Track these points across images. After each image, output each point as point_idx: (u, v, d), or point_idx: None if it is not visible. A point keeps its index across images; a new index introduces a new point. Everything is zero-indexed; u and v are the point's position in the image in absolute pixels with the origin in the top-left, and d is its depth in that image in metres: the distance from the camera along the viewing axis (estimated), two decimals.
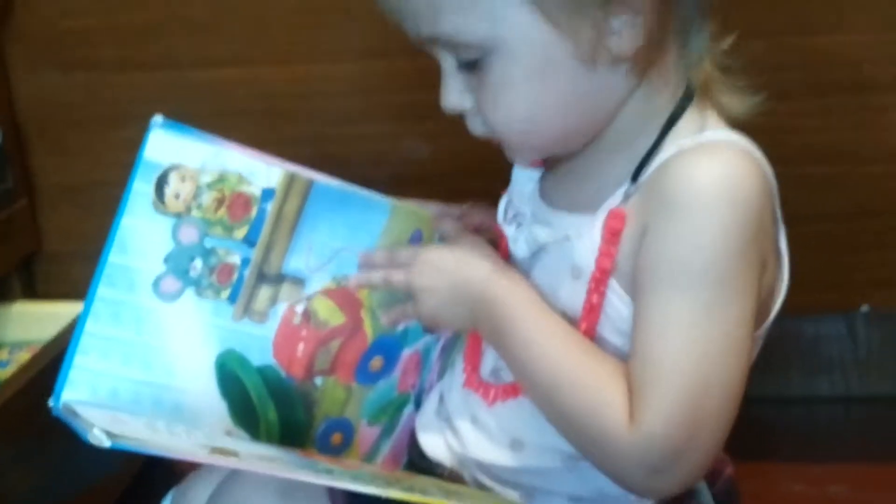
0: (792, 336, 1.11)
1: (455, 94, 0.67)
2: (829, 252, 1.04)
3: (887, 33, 0.99)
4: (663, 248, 0.61)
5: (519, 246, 0.70)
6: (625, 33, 0.61)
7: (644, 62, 0.63)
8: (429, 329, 0.79)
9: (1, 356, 1.07)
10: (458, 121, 1.03)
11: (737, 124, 0.66)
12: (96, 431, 0.56)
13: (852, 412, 1.11)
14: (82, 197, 1.13)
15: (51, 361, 0.90)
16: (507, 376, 0.71)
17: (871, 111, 1.01)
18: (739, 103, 0.67)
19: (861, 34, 0.99)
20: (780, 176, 0.98)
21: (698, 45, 0.65)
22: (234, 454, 0.62)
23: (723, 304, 0.60)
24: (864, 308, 1.07)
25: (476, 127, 0.68)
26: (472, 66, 0.64)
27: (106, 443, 0.55)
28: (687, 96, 0.65)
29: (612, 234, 0.63)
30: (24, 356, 1.03)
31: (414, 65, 1.03)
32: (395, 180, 0.80)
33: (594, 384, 0.62)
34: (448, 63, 0.66)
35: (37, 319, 1.09)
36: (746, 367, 0.62)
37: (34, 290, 1.17)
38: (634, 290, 0.63)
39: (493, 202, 0.78)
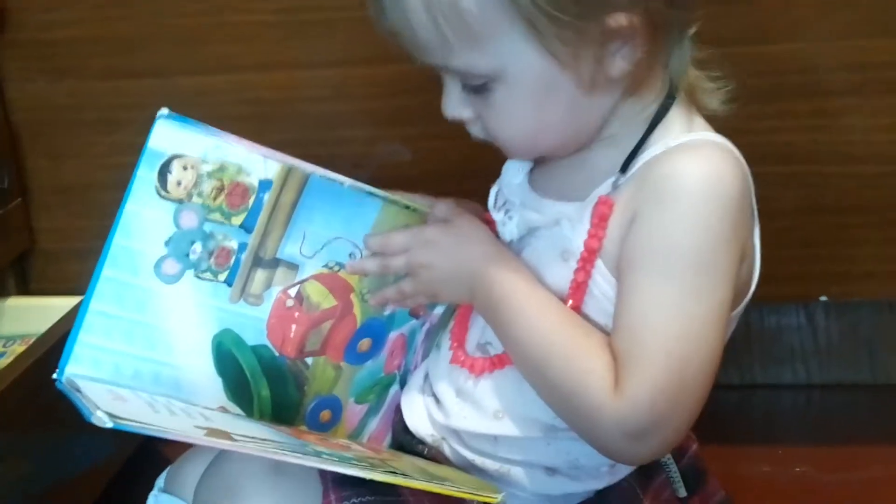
0: (755, 327, 1.13)
1: (456, 105, 0.70)
2: (787, 246, 1.05)
3: (839, 41, 1.00)
4: (652, 234, 0.64)
5: (508, 229, 0.74)
6: (619, 59, 0.65)
7: (635, 79, 0.67)
8: (414, 313, 0.81)
9: None
10: (435, 125, 1.06)
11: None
12: (99, 413, 0.56)
13: (813, 399, 1.14)
14: (74, 197, 1.14)
15: (48, 350, 0.90)
16: (494, 350, 0.73)
17: (825, 115, 1.03)
18: (715, 101, 0.71)
19: (814, 42, 1.00)
20: None
21: (681, 55, 0.69)
22: (228, 437, 0.63)
23: (705, 289, 0.64)
24: (823, 299, 1.10)
25: (477, 132, 0.72)
26: (477, 89, 0.68)
27: (108, 424, 0.56)
28: (669, 97, 0.69)
29: (600, 219, 0.67)
30: (18, 348, 1.03)
31: (392, 71, 1.07)
32: (375, 182, 0.80)
33: (582, 354, 0.66)
34: (450, 79, 0.70)
35: (31, 313, 1.09)
36: (722, 346, 0.65)
37: (27, 287, 1.17)
38: (620, 272, 0.66)
39: (472, 201, 0.80)
